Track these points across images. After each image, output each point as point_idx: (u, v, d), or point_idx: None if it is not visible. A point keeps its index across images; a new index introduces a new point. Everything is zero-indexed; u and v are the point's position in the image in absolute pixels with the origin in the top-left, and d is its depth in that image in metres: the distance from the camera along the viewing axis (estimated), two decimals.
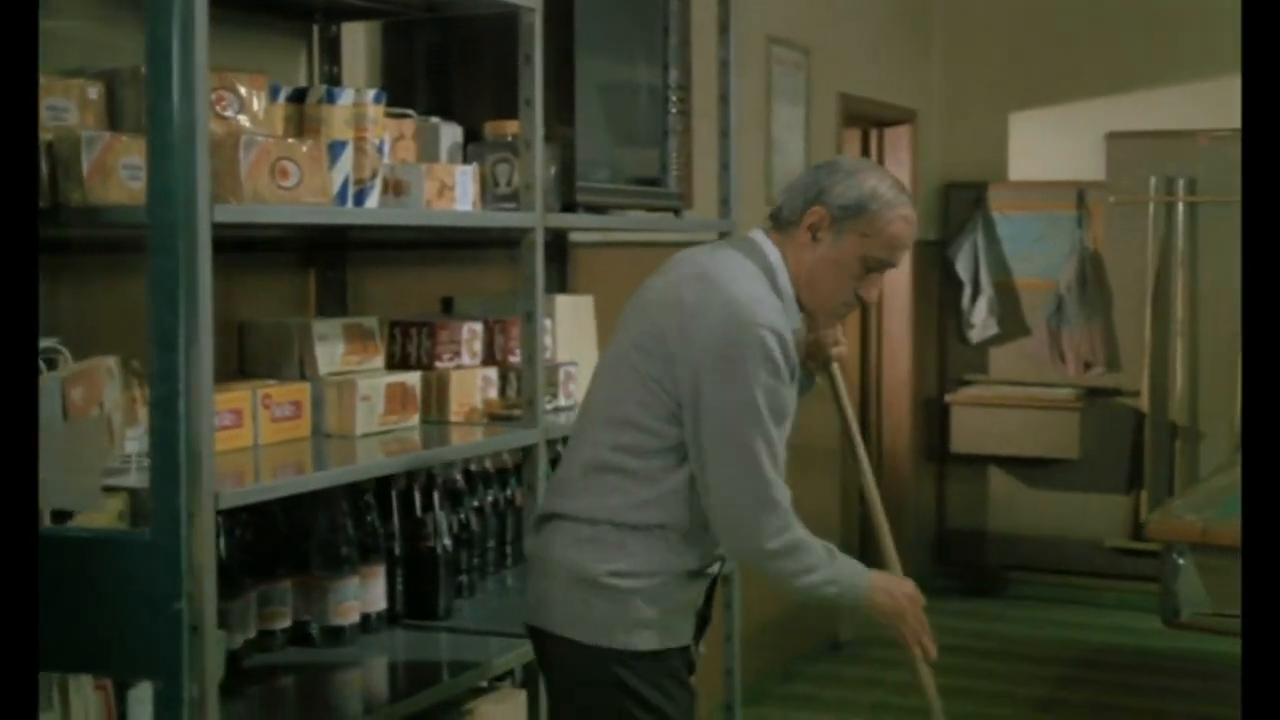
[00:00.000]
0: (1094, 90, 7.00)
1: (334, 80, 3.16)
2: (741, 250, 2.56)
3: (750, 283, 2.48)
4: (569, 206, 3.15)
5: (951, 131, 7.30)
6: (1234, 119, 6.81)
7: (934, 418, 7.18)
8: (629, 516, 2.46)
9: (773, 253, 2.54)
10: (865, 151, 7.09)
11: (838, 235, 2.51)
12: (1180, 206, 6.75)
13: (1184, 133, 6.72)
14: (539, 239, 2.91)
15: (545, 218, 2.93)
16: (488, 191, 2.97)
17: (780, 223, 2.57)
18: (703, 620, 2.64)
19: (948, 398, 7.11)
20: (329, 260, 3.19)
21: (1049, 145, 7.12)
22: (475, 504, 3.19)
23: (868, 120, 6.98)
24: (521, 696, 2.92)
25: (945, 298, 7.27)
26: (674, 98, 3.63)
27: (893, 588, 2.59)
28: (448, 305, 3.43)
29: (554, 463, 3.52)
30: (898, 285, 7.08)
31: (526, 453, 2.96)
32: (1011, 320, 7.13)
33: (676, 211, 3.67)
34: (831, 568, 2.50)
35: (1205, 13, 6.71)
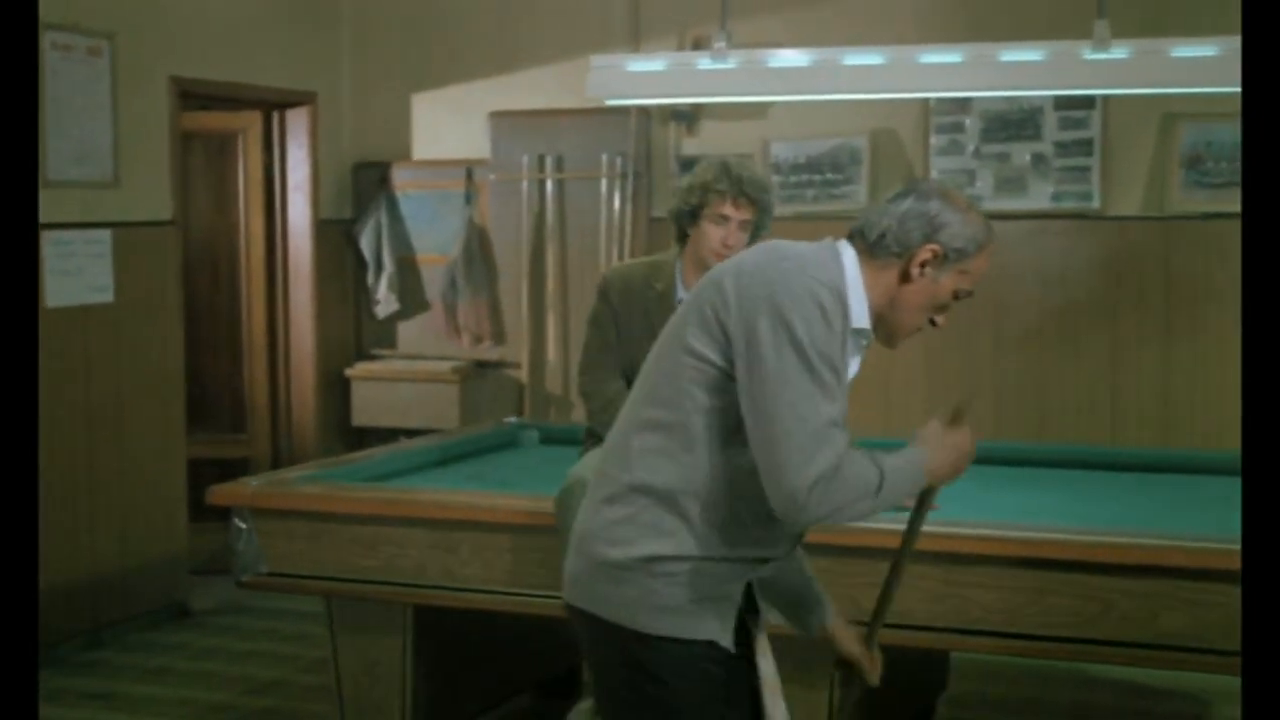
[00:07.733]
0: (482, 71, 7.22)
1: None
2: (818, 246, 2.54)
3: (817, 257, 2.48)
4: None
5: (360, 112, 7.45)
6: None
7: (343, 392, 7.35)
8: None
9: (851, 268, 2.50)
10: (267, 133, 7.20)
11: (941, 271, 2.51)
12: (549, 183, 7.00)
13: (552, 112, 6.97)
14: None
15: None
16: None
17: (877, 248, 2.51)
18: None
19: (347, 372, 7.28)
20: None
21: (445, 125, 7.32)
22: None
23: (266, 104, 7.10)
24: None
25: (359, 275, 7.43)
26: None
27: (948, 448, 2.50)
28: None
29: None
30: (300, 262, 7.22)
31: None
32: (414, 296, 7.34)
33: None
34: (884, 477, 2.38)
35: None
